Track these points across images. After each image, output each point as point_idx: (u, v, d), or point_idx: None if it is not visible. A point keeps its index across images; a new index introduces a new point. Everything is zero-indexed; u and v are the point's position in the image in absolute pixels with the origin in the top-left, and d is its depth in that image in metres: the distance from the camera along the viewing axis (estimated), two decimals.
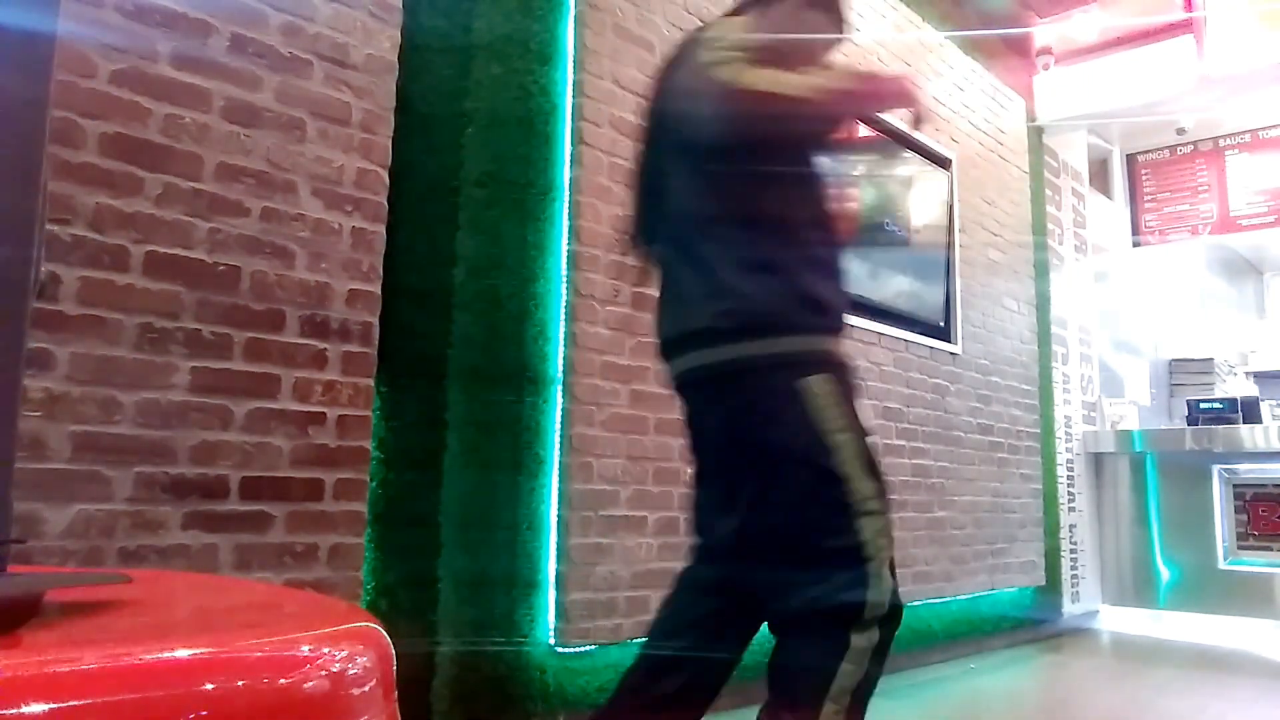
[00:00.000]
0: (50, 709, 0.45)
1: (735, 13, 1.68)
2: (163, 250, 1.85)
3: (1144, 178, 6.07)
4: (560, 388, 2.49)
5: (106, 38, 1.80)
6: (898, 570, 1.49)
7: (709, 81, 1.47)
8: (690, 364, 1.60)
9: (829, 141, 1.71)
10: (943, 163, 4.23)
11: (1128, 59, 4.94)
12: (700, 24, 1.76)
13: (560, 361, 2.50)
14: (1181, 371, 6.06)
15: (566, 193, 2.57)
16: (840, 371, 1.52)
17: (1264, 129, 5.61)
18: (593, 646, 2.49)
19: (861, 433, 1.50)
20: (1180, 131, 5.75)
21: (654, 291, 1.73)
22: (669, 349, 1.66)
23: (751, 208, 1.52)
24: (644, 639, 1.71)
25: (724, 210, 1.54)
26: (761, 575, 1.54)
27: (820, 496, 1.46)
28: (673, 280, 1.65)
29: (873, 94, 1.64)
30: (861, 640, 1.41)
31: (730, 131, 1.48)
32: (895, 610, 1.45)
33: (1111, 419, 5.36)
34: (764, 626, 1.60)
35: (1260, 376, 5.95)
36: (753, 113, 1.45)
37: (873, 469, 1.49)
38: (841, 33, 1.73)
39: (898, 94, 1.60)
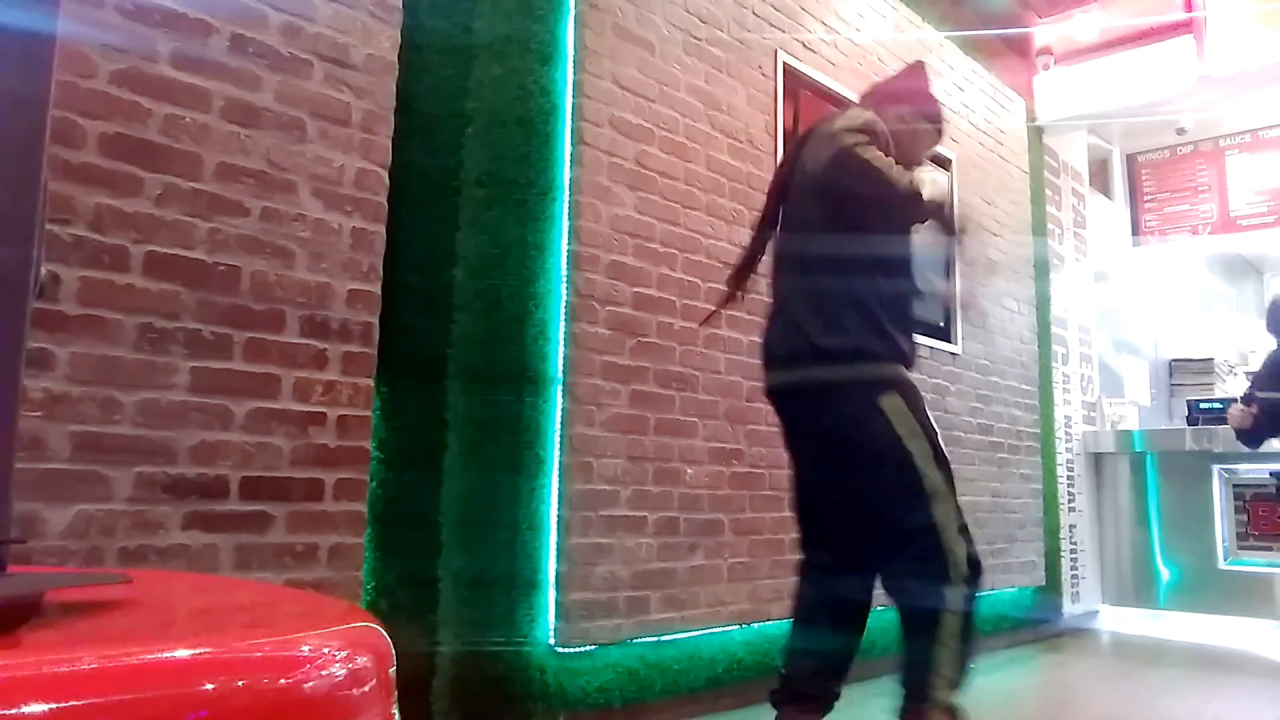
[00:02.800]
0: (50, 709, 0.45)
1: (861, 105, 2.23)
2: (163, 250, 1.85)
3: (1144, 178, 6.07)
4: (560, 388, 2.49)
5: (106, 38, 1.80)
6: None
7: (834, 145, 1.99)
8: (792, 378, 2.05)
9: (907, 225, 2.14)
10: (943, 163, 4.22)
11: (1128, 59, 4.94)
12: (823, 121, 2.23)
13: (560, 361, 2.50)
14: (1181, 371, 6.06)
15: (566, 193, 2.57)
16: (908, 391, 1.98)
17: (1264, 129, 5.61)
18: (593, 646, 2.49)
19: (929, 436, 1.94)
20: (1180, 131, 5.74)
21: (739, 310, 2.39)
22: (775, 363, 2.10)
23: (851, 261, 1.98)
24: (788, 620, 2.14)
25: (830, 259, 1.99)
26: (861, 547, 2.00)
27: (898, 486, 1.92)
28: (786, 310, 2.09)
29: (938, 212, 2.11)
30: (953, 593, 1.84)
31: (842, 188, 1.97)
32: (975, 564, 1.89)
33: (1111, 419, 5.36)
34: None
35: None
36: (861, 175, 1.95)
37: (940, 462, 1.93)
38: (939, 141, 2.31)
39: (948, 222, 2.21)
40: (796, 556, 2.16)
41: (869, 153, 1.95)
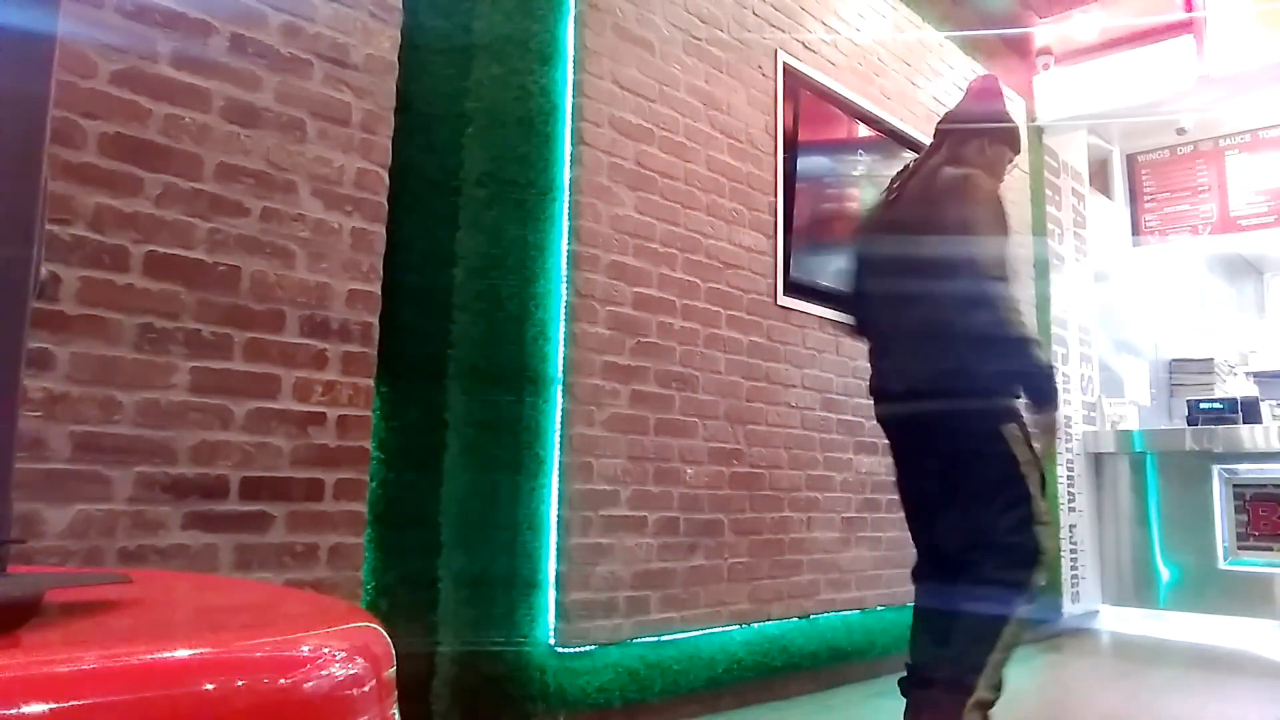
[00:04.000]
0: (50, 709, 0.45)
1: (938, 141, 2.43)
2: (163, 250, 1.85)
3: (1144, 178, 6.06)
4: (560, 388, 2.49)
5: (106, 38, 1.80)
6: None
7: (951, 178, 2.24)
8: (913, 410, 2.24)
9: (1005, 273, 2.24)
10: None
11: (1128, 59, 4.94)
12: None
13: (560, 361, 2.50)
14: (1181, 371, 6.06)
15: (566, 193, 2.57)
16: (1023, 423, 2.17)
17: (1264, 129, 5.60)
18: (593, 646, 2.48)
19: (1039, 467, 2.15)
20: (1180, 131, 5.74)
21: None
22: (892, 398, 2.33)
23: (967, 298, 2.13)
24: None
25: (948, 296, 2.15)
26: (964, 554, 2.19)
27: (1011, 508, 2.12)
28: (896, 348, 2.31)
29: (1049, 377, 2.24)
30: (1024, 609, 2.07)
31: (961, 218, 2.15)
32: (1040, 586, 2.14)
33: (1111, 419, 5.36)
34: None
35: (1260, 376, 5.94)
36: (978, 200, 2.18)
37: (1044, 491, 2.15)
38: (1014, 161, 2.47)
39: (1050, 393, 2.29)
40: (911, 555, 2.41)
41: (982, 180, 2.23)
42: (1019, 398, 2.18)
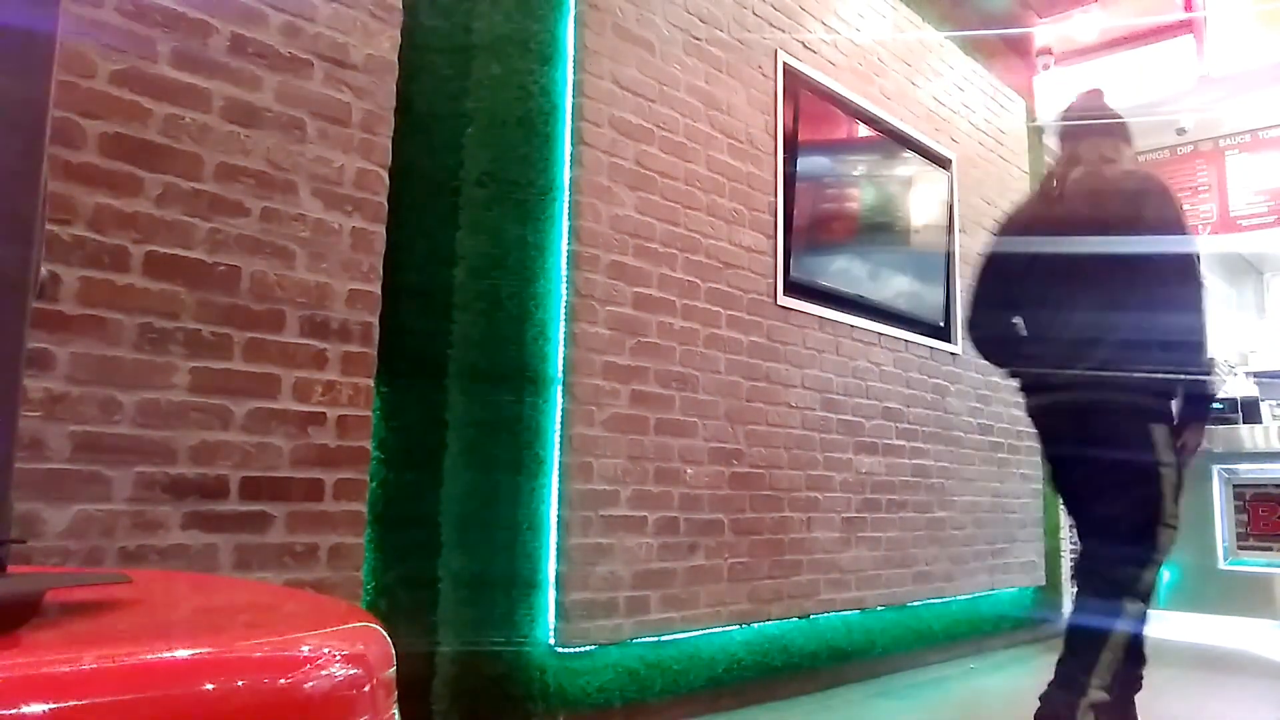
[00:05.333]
0: (50, 709, 0.45)
1: (1079, 134, 2.45)
2: (163, 250, 1.85)
3: None
4: (560, 388, 2.49)
5: (106, 38, 1.80)
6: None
7: (1144, 176, 2.31)
8: (1069, 399, 2.26)
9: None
10: (943, 163, 4.23)
11: (1128, 59, 4.94)
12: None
13: (560, 361, 2.50)
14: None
15: (566, 193, 2.57)
16: (1171, 423, 2.19)
17: (1264, 129, 5.60)
18: (593, 646, 2.48)
19: (1179, 472, 2.19)
20: (1180, 131, 5.74)
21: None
22: (1052, 389, 2.32)
23: (1167, 302, 2.14)
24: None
25: (1119, 291, 2.18)
26: (1089, 543, 2.29)
27: (1139, 507, 2.16)
28: (1054, 338, 2.30)
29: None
30: (1133, 608, 2.11)
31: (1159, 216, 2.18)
32: (1150, 592, 2.15)
33: None
34: None
35: (1260, 376, 5.93)
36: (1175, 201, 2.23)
37: (1178, 496, 2.18)
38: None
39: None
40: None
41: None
42: (1172, 400, 2.19)
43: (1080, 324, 2.26)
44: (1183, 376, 2.15)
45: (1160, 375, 2.13)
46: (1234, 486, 4.70)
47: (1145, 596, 2.14)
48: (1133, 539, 2.15)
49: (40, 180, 0.64)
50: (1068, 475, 2.40)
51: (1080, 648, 2.11)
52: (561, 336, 2.51)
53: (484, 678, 2.35)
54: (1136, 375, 2.13)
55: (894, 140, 3.93)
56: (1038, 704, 2.13)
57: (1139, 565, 2.14)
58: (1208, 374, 2.18)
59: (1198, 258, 2.17)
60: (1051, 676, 2.15)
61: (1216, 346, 5.96)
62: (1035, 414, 2.42)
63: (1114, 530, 2.19)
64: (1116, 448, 2.18)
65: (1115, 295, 2.20)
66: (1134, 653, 2.17)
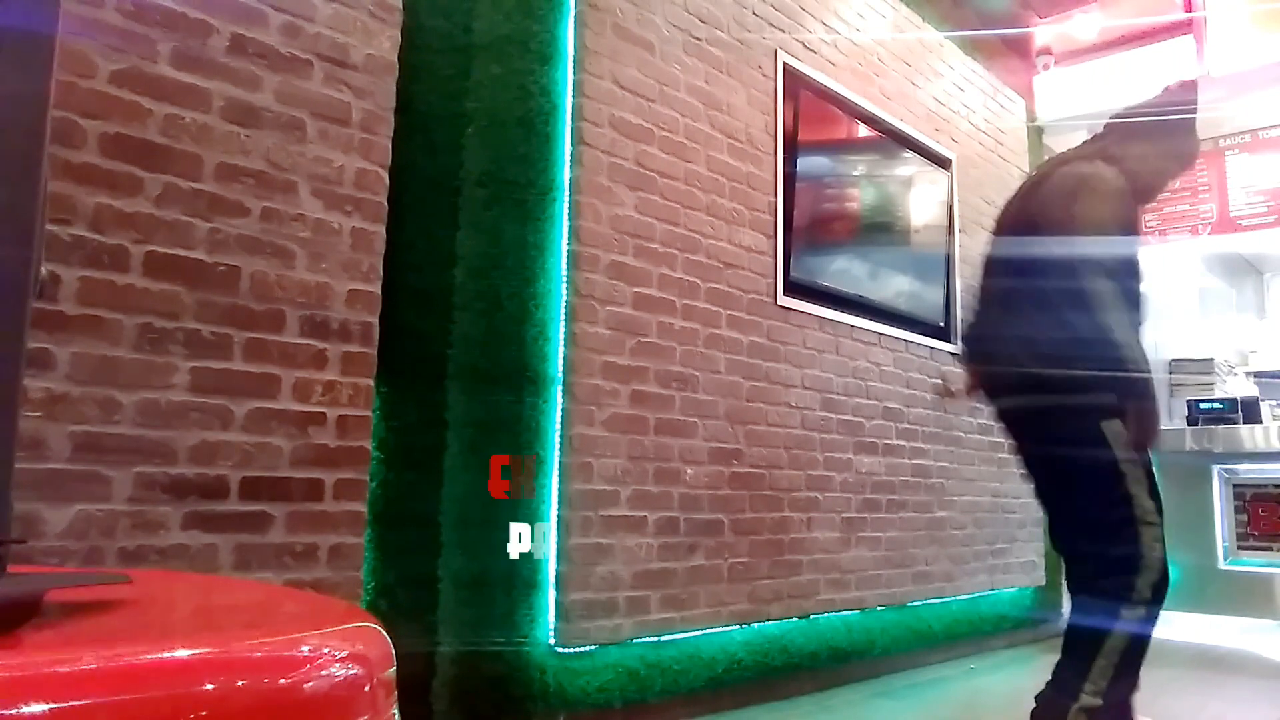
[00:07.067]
0: (50, 709, 0.45)
1: (1097, 138, 2.40)
2: (163, 250, 1.85)
3: None
4: (560, 388, 2.49)
5: (106, 38, 1.80)
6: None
7: (1069, 174, 2.21)
8: (1021, 403, 2.25)
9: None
10: (943, 163, 4.22)
11: (1128, 59, 4.94)
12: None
13: (560, 361, 2.50)
14: (1181, 371, 6.05)
15: (566, 193, 2.57)
16: (1125, 419, 2.10)
17: (1264, 129, 5.60)
18: (593, 646, 2.48)
19: (1145, 464, 2.10)
20: None
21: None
22: (1000, 394, 2.33)
23: (1072, 295, 2.10)
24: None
25: (1057, 292, 2.12)
26: (1067, 555, 2.24)
27: (1111, 509, 2.08)
28: (1004, 342, 2.26)
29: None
30: (1130, 613, 2.01)
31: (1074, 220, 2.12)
32: (1158, 589, 2.04)
33: None
34: None
35: (1260, 376, 5.93)
36: (1091, 198, 2.13)
37: (1153, 491, 2.09)
38: (1188, 168, 2.42)
39: None
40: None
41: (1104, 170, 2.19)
42: (1118, 390, 2.13)
43: (1015, 325, 2.25)
44: (1101, 374, 2.10)
45: (1084, 374, 2.09)
46: (1234, 486, 4.70)
47: (1148, 601, 2.04)
48: (1111, 540, 2.10)
49: (40, 180, 0.64)
50: (1037, 483, 2.37)
51: (1075, 651, 2.08)
52: (561, 336, 2.51)
53: (484, 678, 2.35)
54: (1066, 375, 2.10)
55: (894, 140, 3.93)
56: (1033, 704, 2.13)
57: (1130, 571, 2.05)
58: (1126, 368, 2.08)
59: (1096, 259, 2.10)
60: (1049, 678, 2.14)
61: (1216, 346, 5.98)
62: (998, 419, 2.43)
63: (1093, 534, 2.15)
64: (1072, 449, 2.15)
65: (1037, 297, 2.18)
66: (1135, 658, 2.08)
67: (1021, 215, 2.33)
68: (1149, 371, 2.13)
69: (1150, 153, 2.29)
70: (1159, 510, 2.11)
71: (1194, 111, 2.38)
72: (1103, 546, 2.10)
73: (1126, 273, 2.14)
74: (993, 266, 2.43)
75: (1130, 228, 2.19)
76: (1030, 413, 2.25)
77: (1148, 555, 2.05)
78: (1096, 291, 2.07)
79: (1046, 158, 2.44)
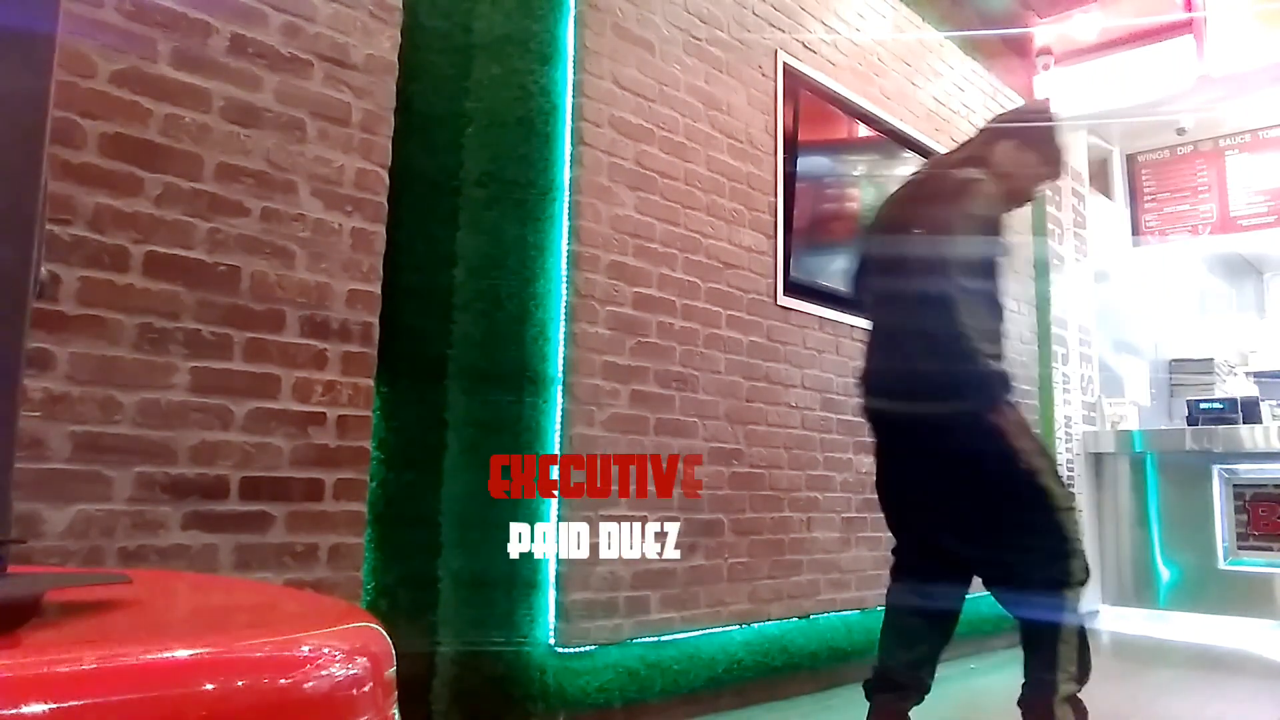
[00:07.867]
0: (50, 709, 0.45)
1: (970, 140, 2.43)
2: (163, 250, 1.85)
3: (1144, 178, 6.06)
4: (560, 388, 2.49)
5: (106, 38, 1.80)
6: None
7: (953, 179, 2.22)
8: (908, 408, 2.19)
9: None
10: None
11: (1128, 59, 4.94)
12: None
13: (560, 361, 2.50)
14: (1181, 371, 6.05)
15: (566, 193, 2.57)
16: (1019, 412, 2.13)
17: (1264, 129, 5.60)
18: (593, 646, 2.48)
19: (1046, 453, 2.16)
20: (1180, 131, 5.74)
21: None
22: (884, 393, 2.28)
23: (927, 305, 2.09)
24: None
25: (935, 295, 2.09)
26: (985, 559, 2.18)
27: (1030, 505, 2.09)
28: (883, 345, 2.32)
29: None
30: (1074, 596, 2.07)
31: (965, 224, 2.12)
32: (1089, 570, 2.11)
33: (1111, 419, 5.35)
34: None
35: (1260, 376, 5.94)
36: (968, 203, 2.15)
37: (1058, 478, 2.14)
38: (1055, 175, 2.46)
39: None
40: (888, 556, 2.38)
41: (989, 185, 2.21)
42: (992, 390, 2.11)
43: (892, 330, 2.29)
44: (987, 370, 2.07)
45: (950, 371, 2.08)
46: (1234, 486, 4.70)
47: (1083, 581, 2.10)
48: (1041, 534, 2.09)
49: (40, 180, 0.64)
50: (911, 484, 2.29)
51: (1037, 646, 2.09)
52: (561, 336, 2.51)
53: (484, 678, 2.35)
54: (945, 380, 2.09)
55: (894, 140, 3.93)
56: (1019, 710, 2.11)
57: (1065, 557, 2.08)
58: (981, 363, 2.05)
59: (955, 259, 2.09)
60: (1022, 680, 2.14)
61: (1216, 346, 5.98)
62: (867, 419, 2.37)
63: (1019, 532, 2.11)
64: (973, 455, 2.10)
65: (909, 301, 2.18)
66: (1085, 635, 2.12)
67: (905, 216, 2.31)
68: (987, 376, 2.10)
69: (1022, 159, 2.33)
70: (1070, 495, 2.20)
71: (1052, 123, 2.47)
72: (1034, 541, 2.10)
73: (995, 273, 2.17)
74: (871, 265, 2.42)
75: (1003, 231, 2.23)
76: (916, 418, 2.18)
77: (1072, 539, 2.11)
78: (969, 292, 2.08)
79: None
